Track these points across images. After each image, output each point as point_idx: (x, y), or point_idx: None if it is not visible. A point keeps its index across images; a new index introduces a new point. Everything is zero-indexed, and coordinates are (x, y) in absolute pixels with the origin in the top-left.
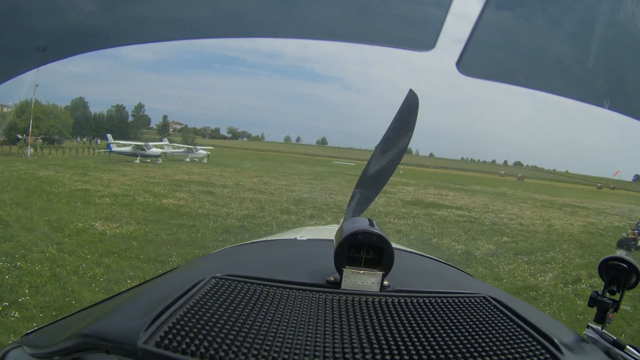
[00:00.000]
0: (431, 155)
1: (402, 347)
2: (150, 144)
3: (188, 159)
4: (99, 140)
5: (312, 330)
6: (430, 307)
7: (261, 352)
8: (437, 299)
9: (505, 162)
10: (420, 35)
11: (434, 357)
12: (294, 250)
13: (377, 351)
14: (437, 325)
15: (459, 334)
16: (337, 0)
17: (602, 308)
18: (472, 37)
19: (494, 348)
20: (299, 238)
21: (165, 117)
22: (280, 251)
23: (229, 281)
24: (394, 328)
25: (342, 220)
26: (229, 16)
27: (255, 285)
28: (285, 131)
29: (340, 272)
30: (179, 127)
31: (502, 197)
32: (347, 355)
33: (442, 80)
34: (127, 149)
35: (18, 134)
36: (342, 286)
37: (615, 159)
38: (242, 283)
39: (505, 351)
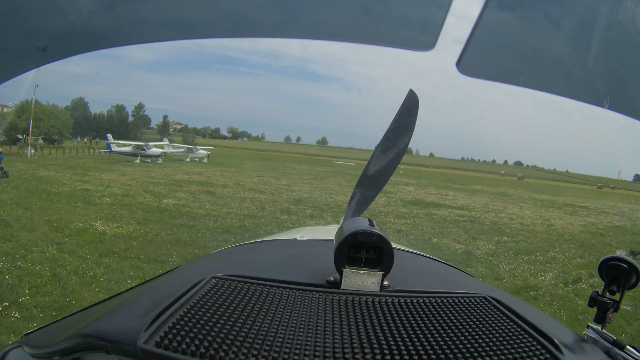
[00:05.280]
0: (431, 155)
1: (402, 347)
2: (151, 144)
3: (188, 159)
4: (99, 140)
5: (312, 330)
6: (430, 307)
7: (261, 352)
8: (437, 299)
9: (506, 161)
10: (421, 35)
11: (434, 357)
12: (294, 250)
13: (377, 351)
14: (437, 325)
15: (459, 334)
16: (338, 0)
17: (602, 308)
18: (472, 37)
19: (494, 348)
20: (299, 238)
21: (165, 117)
22: (280, 251)
23: (229, 281)
24: (394, 328)
25: (342, 220)
26: (229, 16)
27: (255, 285)
28: (286, 131)
29: (340, 272)
30: (179, 127)
31: (502, 197)
32: (347, 355)
33: (442, 81)
34: (127, 149)
35: (18, 134)
36: (342, 286)
37: (615, 158)
38: (242, 283)
39: (505, 351)
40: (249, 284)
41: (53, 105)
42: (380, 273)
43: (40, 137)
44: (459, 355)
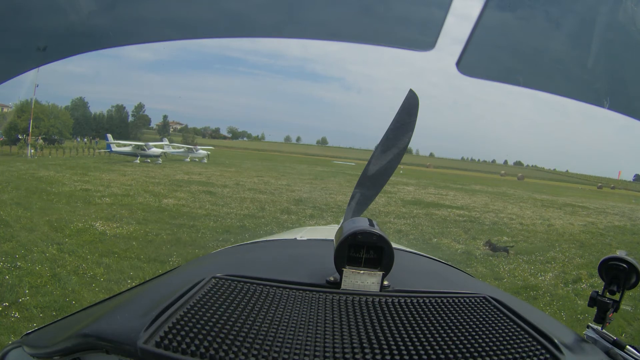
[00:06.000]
0: (431, 155)
1: (402, 347)
2: (151, 144)
3: (188, 159)
4: (99, 140)
5: (312, 330)
6: (430, 307)
7: (261, 352)
8: (437, 299)
9: (506, 161)
10: (421, 35)
11: (434, 357)
12: (294, 250)
13: (377, 351)
14: (437, 325)
15: (459, 334)
16: (338, 0)
17: (602, 308)
18: (472, 37)
19: (494, 348)
20: (299, 238)
21: (165, 117)
22: (280, 251)
23: (229, 281)
24: (394, 328)
25: (342, 220)
26: (229, 16)
27: (255, 285)
28: (286, 131)
29: (340, 272)
30: (179, 127)
31: (502, 197)
32: (347, 355)
33: (442, 81)
34: (127, 149)
35: (18, 134)
36: (342, 286)
37: (615, 158)
38: (242, 283)
39: (505, 351)
40: (249, 284)
41: (53, 105)
42: (380, 273)
43: (40, 137)
44: (459, 355)
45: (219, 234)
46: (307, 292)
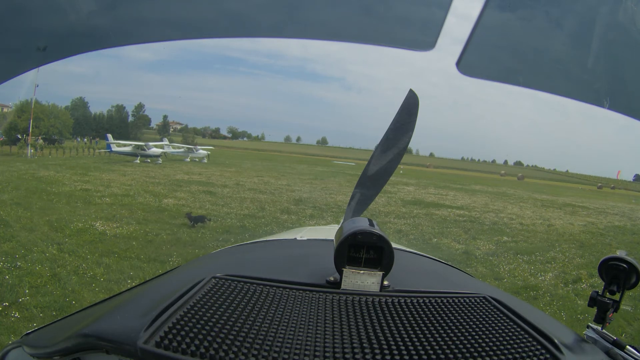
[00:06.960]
0: (431, 155)
1: (402, 347)
2: (151, 144)
3: (188, 159)
4: (99, 140)
5: (312, 330)
6: (430, 307)
7: (261, 352)
8: (437, 299)
9: (506, 161)
10: (421, 35)
11: (434, 357)
12: (294, 250)
13: (377, 351)
14: (437, 325)
15: (459, 334)
16: (338, 0)
17: (602, 308)
18: (472, 37)
19: (494, 348)
20: (298, 238)
21: (165, 117)
22: (280, 251)
23: (229, 281)
24: (394, 328)
25: (342, 220)
26: (229, 16)
27: (255, 285)
28: (286, 131)
29: (340, 272)
30: (179, 127)
31: (502, 197)
32: (347, 355)
33: (442, 81)
34: (128, 149)
35: (18, 134)
36: (342, 286)
37: (615, 158)
38: (242, 283)
39: (505, 351)
40: (249, 284)
41: (53, 105)
42: (380, 273)
43: (40, 137)
44: (459, 355)
45: (219, 234)
46: (307, 292)
